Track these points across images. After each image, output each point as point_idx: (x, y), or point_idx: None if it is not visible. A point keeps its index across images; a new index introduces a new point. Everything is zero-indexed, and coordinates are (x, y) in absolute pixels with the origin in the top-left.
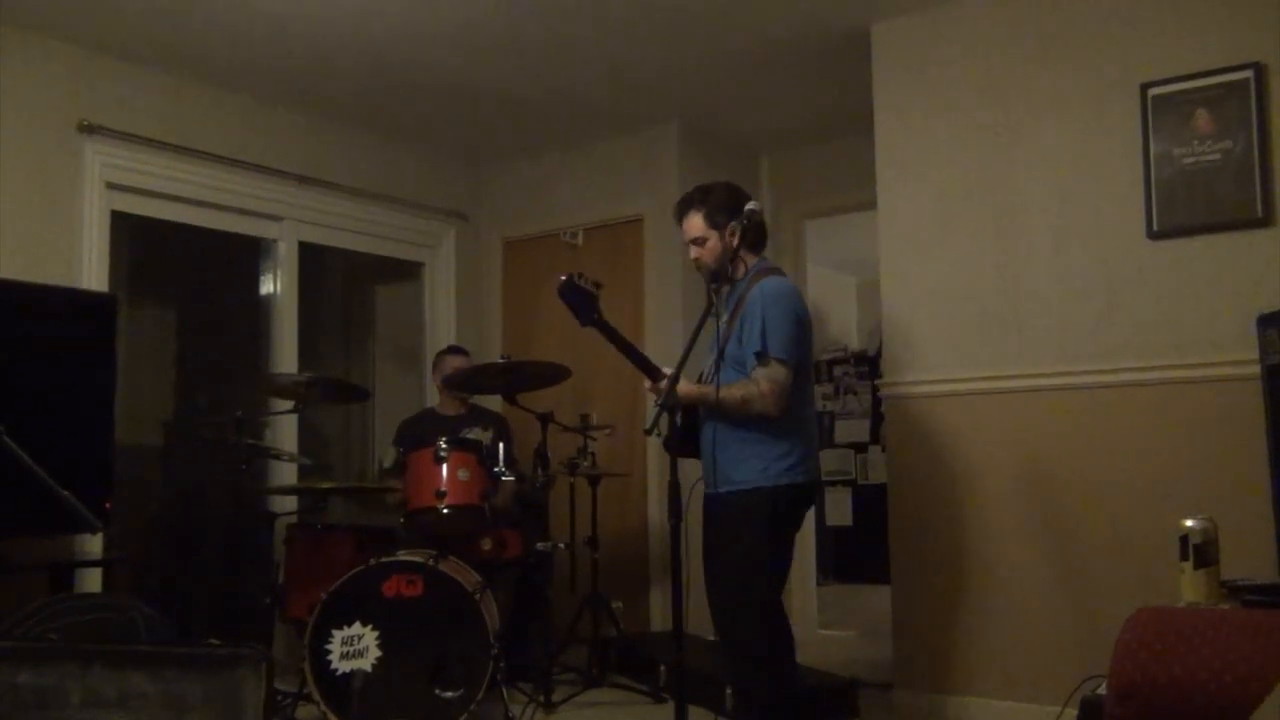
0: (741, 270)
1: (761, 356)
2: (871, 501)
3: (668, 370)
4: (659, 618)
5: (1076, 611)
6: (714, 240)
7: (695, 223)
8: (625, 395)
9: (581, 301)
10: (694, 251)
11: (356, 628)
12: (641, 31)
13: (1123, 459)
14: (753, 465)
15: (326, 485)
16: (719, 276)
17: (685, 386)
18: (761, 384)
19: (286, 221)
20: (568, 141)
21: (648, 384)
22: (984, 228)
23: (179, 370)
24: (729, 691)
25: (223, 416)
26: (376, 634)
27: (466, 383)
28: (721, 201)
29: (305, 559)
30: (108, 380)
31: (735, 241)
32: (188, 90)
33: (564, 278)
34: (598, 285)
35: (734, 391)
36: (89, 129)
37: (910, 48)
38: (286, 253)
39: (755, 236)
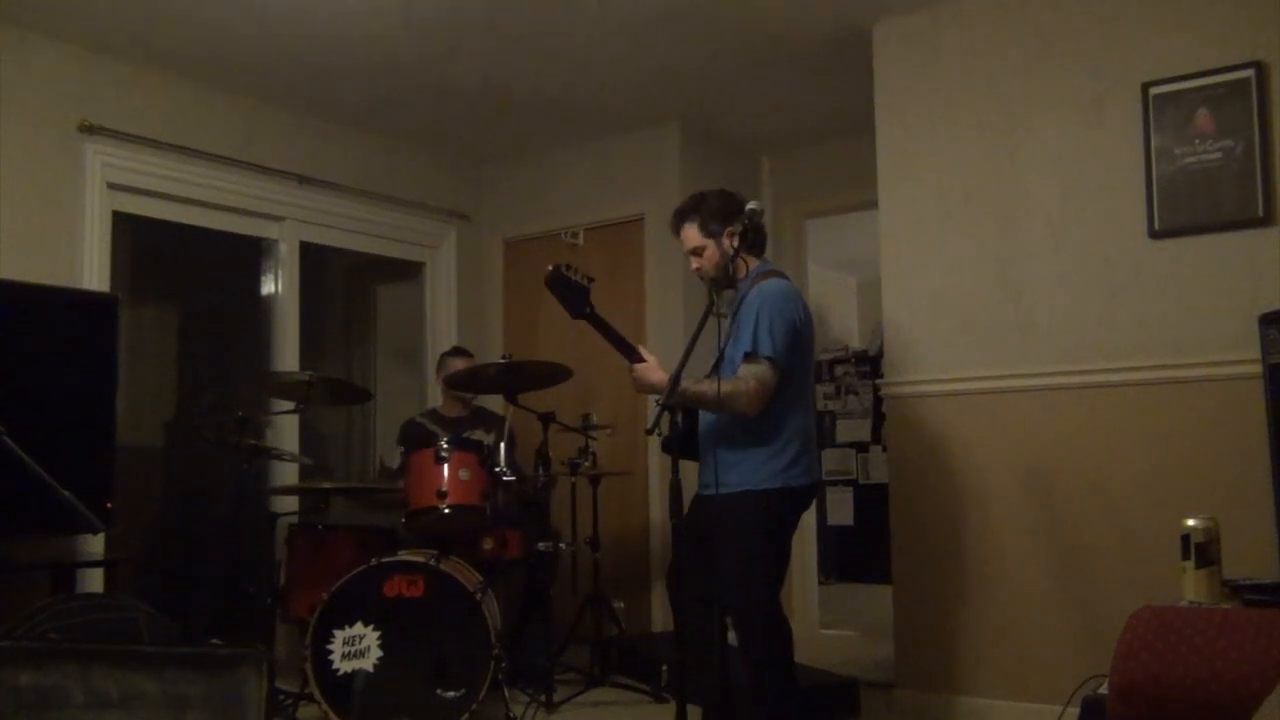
0: (743, 272)
1: (750, 356)
2: (873, 501)
3: (647, 353)
4: (660, 618)
5: (1078, 611)
6: (711, 249)
7: (691, 233)
8: (626, 395)
9: (572, 294)
10: (694, 262)
11: (358, 628)
12: (642, 31)
13: (1124, 458)
14: (752, 468)
15: (328, 485)
16: (721, 283)
17: (683, 383)
18: (749, 382)
19: (287, 221)
20: (568, 141)
21: (629, 367)
22: (984, 228)
23: (180, 370)
24: (664, 669)
25: (224, 416)
26: (378, 634)
27: (468, 383)
28: (715, 209)
29: (307, 559)
30: (109, 380)
31: (734, 245)
32: (188, 90)
33: (551, 268)
34: (590, 279)
35: (722, 387)
36: (89, 129)
37: (911, 47)
38: (287, 253)
39: (755, 238)
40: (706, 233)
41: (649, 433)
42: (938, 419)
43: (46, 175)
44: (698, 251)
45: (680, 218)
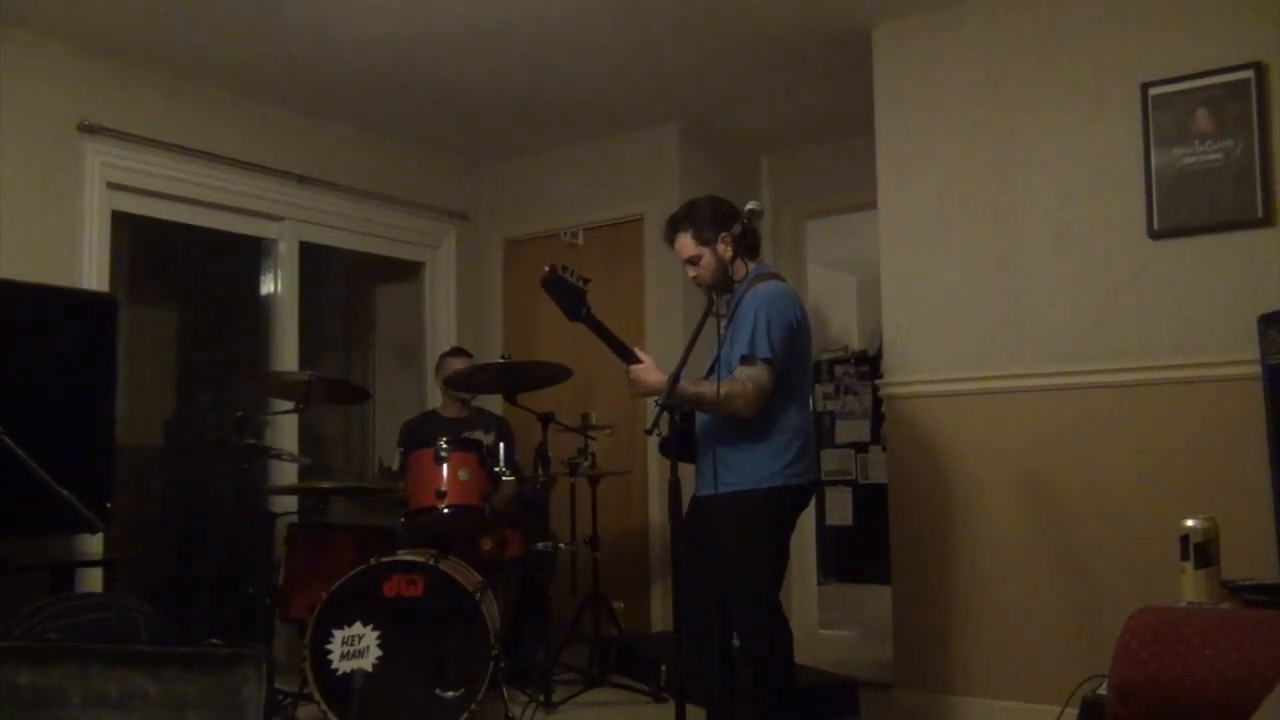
0: (741, 275)
1: (746, 358)
2: (872, 501)
3: (643, 354)
4: (659, 617)
5: (1077, 611)
6: (707, 257)
7: (685, 243)
8: (626, 395)
9: (568, 295)
10: (691, 271)
11: (357, 627)
12: (641, 31)
13: (1123, 458)
14: (752, 467)
15: (327, 485)
16: (719, 288)
17: (681, 384)
18: (746, 384)
19: (287, 221)
20: (568, 141)
21: (626, 369)
22: (984, 228)
23: (179, 370)
24: (663, 669)
25: (223, 416)
26: (377, 634)
27: (467, 382)
28: (708, 217)
29: (306, 559)
30: (108, 380)
31: (730, 250)
32: (188, 90)
33: (547, 269)
34: (585, 280)
35: (720, 388)
36: (89, 129)
37: (911, 48)
38: (287, 252)
39: (751, 241)
40: (701, 240)
41: (648, 432)
42: (937, 419)
43: (46, 175)
44: (693, 260)
45: (673, 227)
